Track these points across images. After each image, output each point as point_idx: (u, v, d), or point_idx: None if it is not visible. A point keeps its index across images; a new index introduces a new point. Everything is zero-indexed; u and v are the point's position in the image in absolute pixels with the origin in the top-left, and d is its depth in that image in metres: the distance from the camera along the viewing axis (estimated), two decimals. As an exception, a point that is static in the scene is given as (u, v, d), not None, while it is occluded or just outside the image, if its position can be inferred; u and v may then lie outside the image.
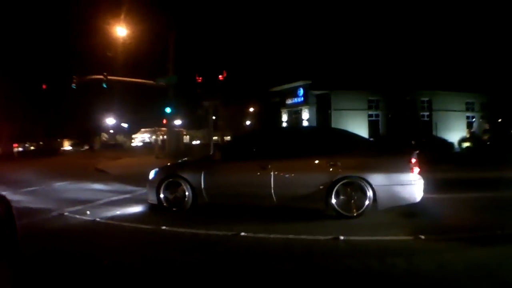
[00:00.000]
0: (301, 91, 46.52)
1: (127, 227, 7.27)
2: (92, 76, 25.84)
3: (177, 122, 52.27)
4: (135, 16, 25.05)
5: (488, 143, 29.59)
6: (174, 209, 8.40)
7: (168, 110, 25.96)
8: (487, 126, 35.36)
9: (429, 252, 5.28)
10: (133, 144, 55.62)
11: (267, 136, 9.22)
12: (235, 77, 34.24)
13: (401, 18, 41.34)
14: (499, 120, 34.62)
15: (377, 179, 7.34)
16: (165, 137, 40.91)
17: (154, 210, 8.53)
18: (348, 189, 7.42)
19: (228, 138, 51.16)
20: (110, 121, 61.60)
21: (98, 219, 7.84)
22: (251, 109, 54.34)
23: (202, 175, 8.33)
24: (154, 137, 59.51)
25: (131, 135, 62.03)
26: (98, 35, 27.13)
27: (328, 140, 8.50)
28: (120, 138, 60.85)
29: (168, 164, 10.55)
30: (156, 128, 58.96)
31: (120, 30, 25.52)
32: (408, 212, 7.50)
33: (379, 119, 42.85)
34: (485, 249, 5.38)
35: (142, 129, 61.89)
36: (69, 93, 33.50)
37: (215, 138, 54.07)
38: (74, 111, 53.16)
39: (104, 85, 25.28)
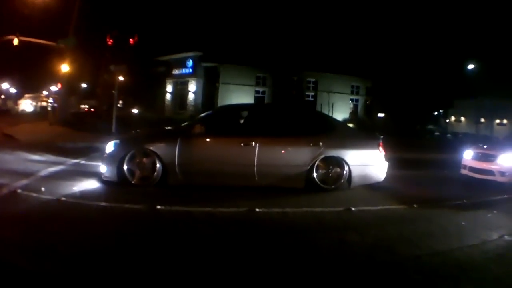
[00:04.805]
0: (190, 62, 46.31)
1: (116, 209, 6.30)
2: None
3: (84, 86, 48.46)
4: None
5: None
6: (145, 183, 7.81)
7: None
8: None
9: (426, 217, 6.75)
10: (19, 110, 51.10)
11: (252, 112, 9.19)
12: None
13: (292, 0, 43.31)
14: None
15: (353, 159, 8.27)
16: (49, 103, 38.27)
17: (116, 186, 7.71)
18: (327, 165, 8.24)
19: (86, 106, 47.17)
20: (4, 85, 56.06)
21: (63, 199, 6.61)
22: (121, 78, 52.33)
23: (177, 149, 7.86)
24: (36, 103, 55.39)
25: (17, 101, 56.77)
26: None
27: (310, 121, 9.08)
28: (10, 103, 55.44)
29: (131, 135, 10.05)
30: (38, 94, 54.82)
31: None
32: (376, 187, 8.65)
33: (265, 96, 44.96)
34: (464, 213, 7.11)
35: (26, 95, 56.95)
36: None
37: (85, 106, 51.01)
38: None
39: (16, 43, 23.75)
